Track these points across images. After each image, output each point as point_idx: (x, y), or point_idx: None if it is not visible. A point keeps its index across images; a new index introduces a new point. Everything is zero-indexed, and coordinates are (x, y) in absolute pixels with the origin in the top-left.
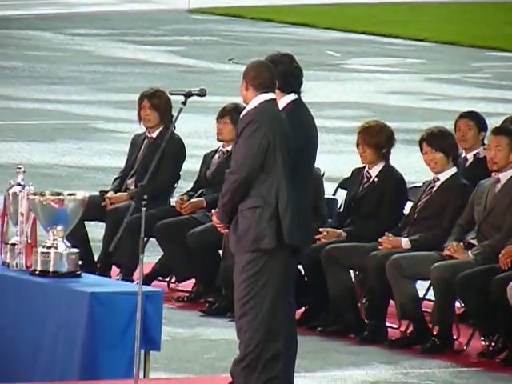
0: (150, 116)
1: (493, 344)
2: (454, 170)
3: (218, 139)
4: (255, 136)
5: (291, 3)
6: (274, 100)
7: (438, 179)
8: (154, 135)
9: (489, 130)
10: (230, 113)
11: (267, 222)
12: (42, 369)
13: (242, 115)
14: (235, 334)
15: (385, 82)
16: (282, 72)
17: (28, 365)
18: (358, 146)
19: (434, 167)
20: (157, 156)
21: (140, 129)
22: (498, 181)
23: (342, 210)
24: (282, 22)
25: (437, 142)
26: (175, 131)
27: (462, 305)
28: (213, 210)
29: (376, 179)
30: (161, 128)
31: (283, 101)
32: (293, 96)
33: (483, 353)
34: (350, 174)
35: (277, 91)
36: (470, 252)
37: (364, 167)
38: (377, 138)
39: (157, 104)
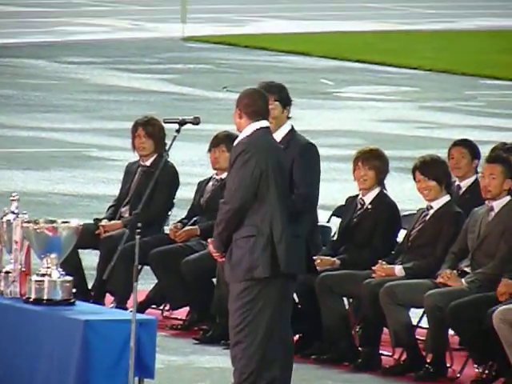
0: (144, 144)
1: (486, 371)
2: (447, 198)
3: (214, 168)
4: (247, 166)
5: (285, 31)
6: (268, 128)
7: (432, 207)
8: (148, 163)
9: (482, 158)
10: (224, 141)
11: (261, 252)
12: None
13: (234, 144)
14: (229, 362)
15: (379, 110)
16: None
17: None
18: (354, 171)
19: (427, 195)
20: (151, 184)
21: (134, 157)
22: (492, 209)
23: (335, 237)
24: (276, 50)
25: (430, 170)
26: (169, 159)
27: (453, 333)
28: (209, 239)
29: (370, 206)
30: (155, 156)
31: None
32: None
33: (477, 380)
34: (343, 202)
35: (286, 115)
36: (463, 280)
37: (357, 195)
38: (378, 162)
39: (151, 132)
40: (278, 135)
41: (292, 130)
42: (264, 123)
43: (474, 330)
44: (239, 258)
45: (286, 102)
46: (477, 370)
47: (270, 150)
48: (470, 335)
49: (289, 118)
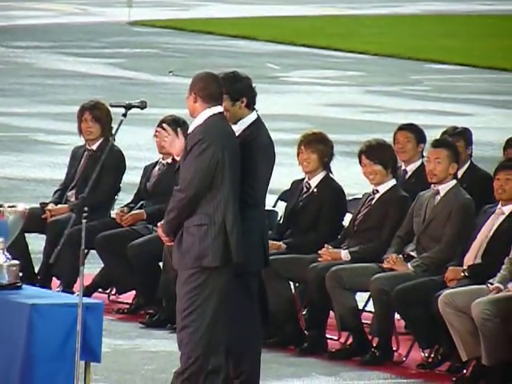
0: (91, 128)
1: (432, 355)
2: (393, 182)
3: (160, 152)
4: (204, 155)
5: (231, 16)
6: (222, 113)
7: (378, 191)
8: (94, 147)
9: (428, 143)
10: (169, 125)
11: (212, 240)
12: None
13: (190, 131)
14: (176, 346)
15: (324, 95)
16: (248, 87)
17: None
18: (298, 155)
19: (372, 179)
20: (97, 168)
21: (80, 141)
22: (438, 193)
23: (281, 221)
24: (222, 34)
25: (375, 154)
26: (115, 143)
27: (399, 317)
28: (158, 224)
29: (315, 190)
30: (101, 140)
31: (247, 120)
32: (255, 115)
33: (423, 364)
34: (289, 186)
35: (242, 107)
36: (409, 264)
37: (303, 179)
38: (321, 145)
39: (98, 116)
40: (236, 129)
41: (254, 123)
42: (218, 108)
43: (419, 313)
44: (189, 246)
45: (235, 96)
46: (422, 354)
47: (226, 139)
48: (416, 319)
49: (252, 109)
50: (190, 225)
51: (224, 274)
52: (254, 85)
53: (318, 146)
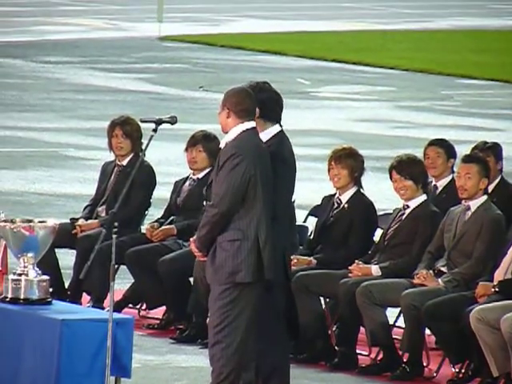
0: (122, 144)
1: (463, 371)
2: (423, 197)
3: (190, 168)
4: (237, 170)
5: (262, 31)
6: (255, 129)
7: (408, 206)
8: (125, 163)
9: (458, 158)
10: (200, 141)
11: (245, 256)
12: None
13: (222, 147)
14: (207, 361)
15: (355, 110)
16: (265, 99)
17: None
18: (329, 171)
19: (403, 195)
20: (127, 184)
21: (110, 157)
22: (469, 208)
23: (312, 236)
24: (252, 49)
25: (406, 169)
26: (145, 159)
27: (429, 333)
28: (191, 239)
29: (346, 205)
30: (131, 156)
31: (269, 132)
32: (278, 127)
33: (453, 380)
34: (320, 202)
35: (258, 120)
36: (440, 280)
37: (334, 194)
38: (351, 161)
39: (129, 131)
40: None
41: (276, 136)
42: (251, 124)
43: (449, 329)
44: (223, 261)
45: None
46: (453, 370)
47: (258, 155)
48: (446, 334)
49: (276, 122)
50: (223, 240)
51: (256, 289)
52: (281, 99)
53: (348, 161)
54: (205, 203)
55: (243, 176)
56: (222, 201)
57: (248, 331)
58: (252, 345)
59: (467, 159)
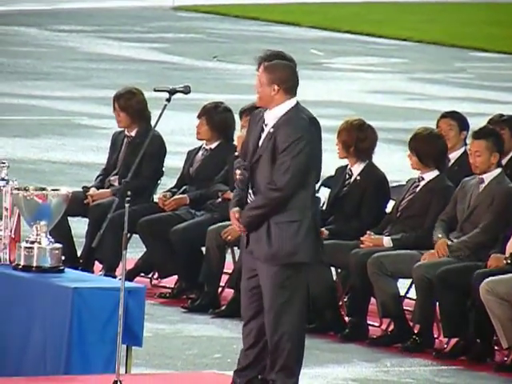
0: (119, 117)
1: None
2: (436, 172)
3: (197, 138)
4: (303, 155)
5: (275, 2)
6: (298, 105)
7: (423, 178)
8: (133, 134)
9: (471, 130)
10: (207, 113)
11: (304, 237)
12: (30, 362)
13: (273, 124)
14: (218, 331)
15: (368, 82)
16: (294, 71)
17: (16, 358)
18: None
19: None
20: (139, 154)
21: None
22: (482, 181)
23: (325, 208)
24: (266, 20)
25: (418, 145)
26: (156, 128)
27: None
28: (234, 211)
29: (358, 178)
30: (138, 127)
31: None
32: (295, 100)
33: (438, 351)
34: (332, 173)
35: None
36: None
37: (347, 165)
38: (346, 134)
39: (123, 106)
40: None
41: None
42: (295, 100)
43: (454, 300)
44: (281, 241)
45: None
46: (443, 341)
47: (312, 135)
48: (451, 304)
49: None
50: (281, 220)
51: (309, 269)
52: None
53: (343, 134)
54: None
55: (307, 160)
56: (288, 186)
57: (301, 311)
58: (304, 324)
59: (476, 136)
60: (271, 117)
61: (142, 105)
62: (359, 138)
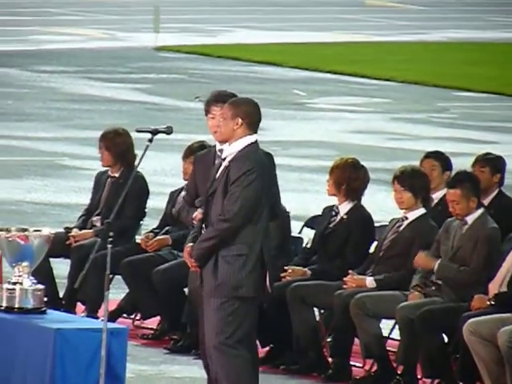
0: (103, 156)
1: None
2: (422, 210)
3: (184, 179)
4: (253, 186)
5: (257, 42)
6: (257, 142)
7: (407, 218)
8: (117, 174)
9: (454, 170)
10: (195, 152)
11: (249, 271)
12: None
13: (230, 158)
14: (200, 372)
15: (350, 122)
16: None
17: None
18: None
19: (401, 205)
20: (122, 195)
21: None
22: (466, 223)
23: (309, 246)
24: (248, 60)
25: (407, 180)
26: (138, 169)
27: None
28: (188, 246)
29: (345, 216)
30: (122, 167)
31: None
32: (255, 137)
33: None
34: (315, 213)
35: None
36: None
37: (334, 205)
38: (338, 173)
39: (108, 146)
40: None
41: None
42: (255, 137)
43: (436, 341)
44: (226, 275)
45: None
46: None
47: (266, 170)
48: (431, 344)
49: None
50: (228, 254)
51: (255, 303)
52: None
53: (335, 173)
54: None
55: (258, 192)
56: (236, 216)
57: (245, 343)
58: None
59: (450, 185)
60: (229, 151)
61: (126, 146)
62: (351, 178)
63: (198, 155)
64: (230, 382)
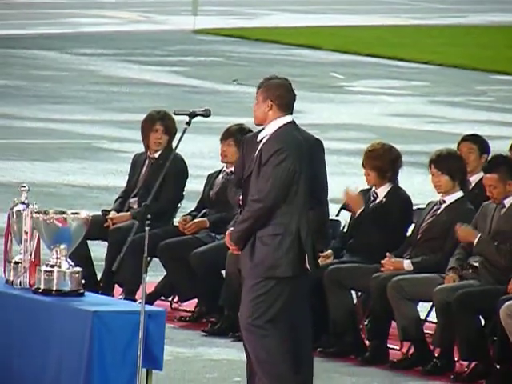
0: (161, 139)
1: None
2: (460, 193)
3: (222, 161)
4: (283, 166)
5: (296, 25)
6: (294, 123)
7: (444, 201)
8: (156, 155)
9: (492, 152)
10: (233, 135)
11: (286, 251)
12: None
13: (264, 141)
14: (238, 354)
15: (389, 105)
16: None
17: (34, 381)
18: (363, 167)
19: (439, 189)
20: (160, 176)
21: (142, 148)
22: (503, 206)
23: (346, 229)
24: (287, 43)
25: (444, 164)
26: (178, 151)
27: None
28: (227, 231)
29: (384, 199)
30: (163, 149)
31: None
32: (290, 118)
33: (456, 374)
34: None
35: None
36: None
37: (370, 188)
38: (379, 162)
39: (169, 127)
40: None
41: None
42: (290, 118)
43: (473, 323)
44: (263, 255)
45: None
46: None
47: (301, 150)
48: (469, 327)
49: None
50: (264, 234)
51: (292, 283)
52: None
53: (374, 162)
54: (235, 196)
55: (289, 171)
56: (268, 196)
57: (278, 321)
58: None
59: (486, 169)
60: (264, 134)
61: (176, 129)
62: (394, 161)
63: (247, 137)
64: (260, 362)
